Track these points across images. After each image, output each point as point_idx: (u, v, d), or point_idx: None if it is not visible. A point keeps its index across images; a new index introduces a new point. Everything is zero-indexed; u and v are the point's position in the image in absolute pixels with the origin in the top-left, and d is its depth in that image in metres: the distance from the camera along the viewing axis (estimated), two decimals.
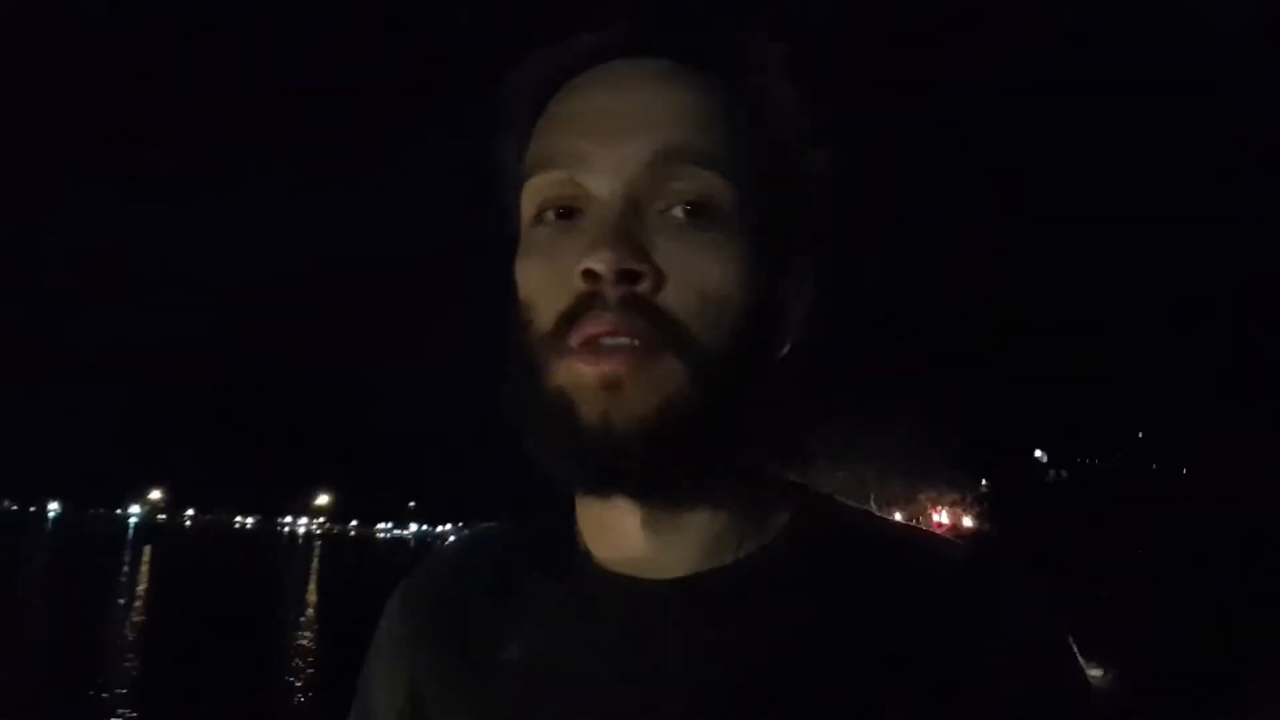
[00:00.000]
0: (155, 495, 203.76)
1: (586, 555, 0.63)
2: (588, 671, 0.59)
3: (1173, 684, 13.18)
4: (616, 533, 0.60)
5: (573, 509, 0.65)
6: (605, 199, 0.56)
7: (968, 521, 33.13)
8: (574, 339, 0.55)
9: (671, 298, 0.55)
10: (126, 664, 19.43)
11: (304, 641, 24.83)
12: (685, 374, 0.55)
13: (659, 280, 0.55)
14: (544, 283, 0.57)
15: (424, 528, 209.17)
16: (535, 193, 0.59)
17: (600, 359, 0.54)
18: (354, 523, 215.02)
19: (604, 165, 0.56)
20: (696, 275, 0.55)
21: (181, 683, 14.95)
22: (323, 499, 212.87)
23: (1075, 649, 0.60)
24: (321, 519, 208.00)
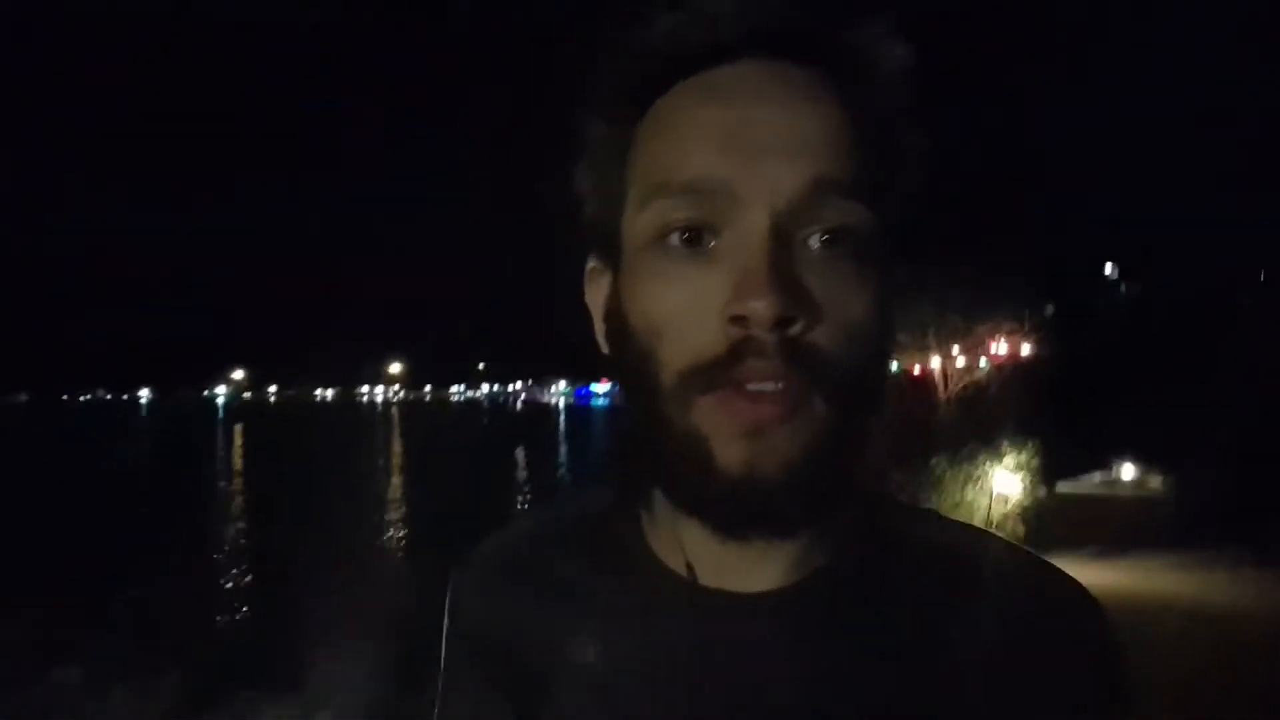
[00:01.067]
0: (239, 375, 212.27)
1: (660, 563, 0.60)
2: (669, 681, 0.58)
3: (1229, 497, 13.25)
4: (702, 547, 0.57)
5: (625, 504, 0.63)
6: (751, 230, 0.51)
7: (1026, 349, 32.79)
8: (722, 383, 0.51)
9: (823, 338, 0.51)
10: (238, 531, 20.84)
11: (394, 495, 26.25)
12: (830, 414, 0.52)
13: (812, 322, 0.51)
14: (679, 317, 0.52)
15: (495, 388, 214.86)
16: (660, 213, 0.53)
17: (748, 406, 0.51)
18: (428, 388, 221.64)
19: (753, 192, 0.51)
20: (842, 312, 0.52)
21: (288, 543, 15.94)
22: (395, 367, 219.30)
23: (1127, 667, 0.59)
24: (396, 386, 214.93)
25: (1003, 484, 10.94)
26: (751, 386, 0.50)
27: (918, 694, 0.56)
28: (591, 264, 0.61)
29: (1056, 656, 0.56)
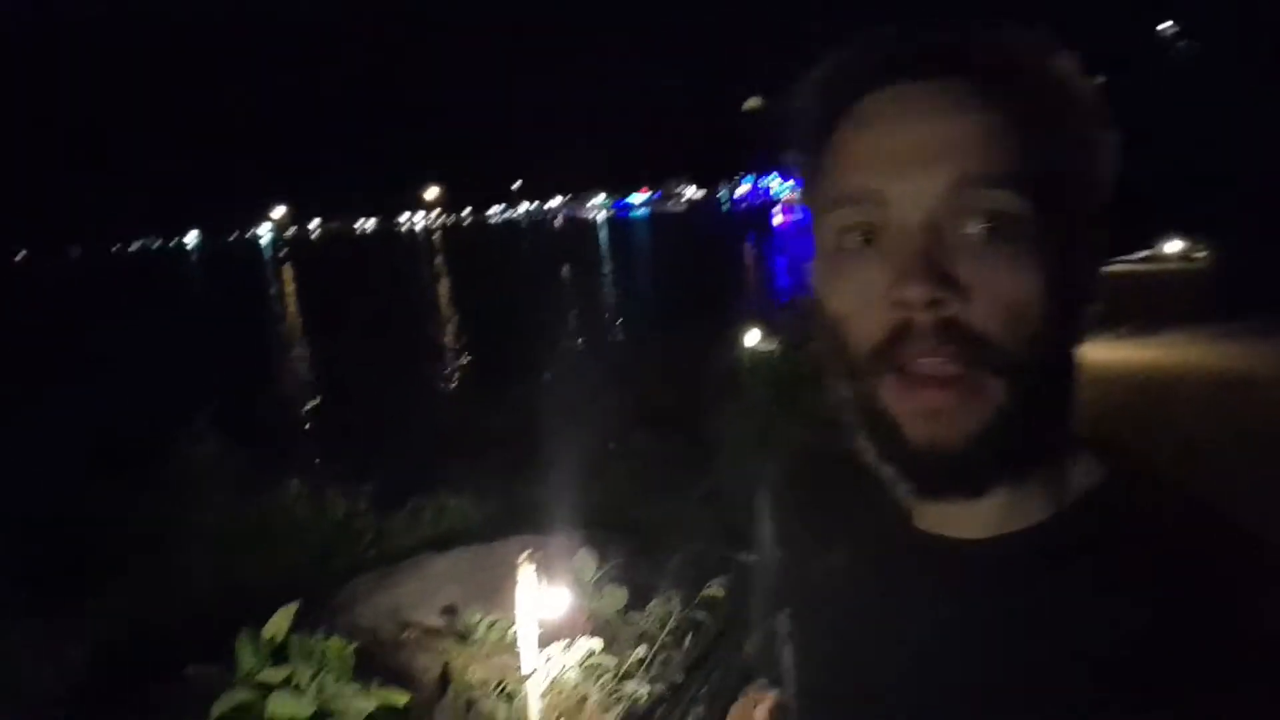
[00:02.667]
0: (279, 212, 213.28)
1: (894, 505, 0.68)
2: (894, 614, 0.67)
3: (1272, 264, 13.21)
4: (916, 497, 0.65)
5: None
6: (904, 228, 0.58)
7: None
8: (894, 364, 0.58)
9: (978, 316, 0.57)
10: (301, 370, 21.99)
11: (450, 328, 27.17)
12: (1002, 389, 0.58)
13: (965, 301, 0.57)
14: (855, 308, 0.60)
15: (533, 205, 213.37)
16: (837, 222, 0.62)
17: (922, 389, 0.58)
18: (467, 210, 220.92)
19: (903, 199, 0.58)
20: (999, 290, 0.57)
21: (350, 377, 16.93)
22: (433, 192, 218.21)
23: None
24: (436, 211, 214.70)
25: None
26: (918, 365, 0.57)
27: (1100, 657, 0.58)
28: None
29: (1247, 649, 0.55)
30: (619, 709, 3.72)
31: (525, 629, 3.30)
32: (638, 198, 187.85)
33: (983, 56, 0.60)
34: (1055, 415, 0.62)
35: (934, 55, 0.60)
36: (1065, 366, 0.62)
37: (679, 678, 4.16)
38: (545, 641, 3.48)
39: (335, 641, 3.27)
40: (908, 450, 0.59)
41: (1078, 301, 0.62)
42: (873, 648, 0.68)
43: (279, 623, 3.26)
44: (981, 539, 0.64)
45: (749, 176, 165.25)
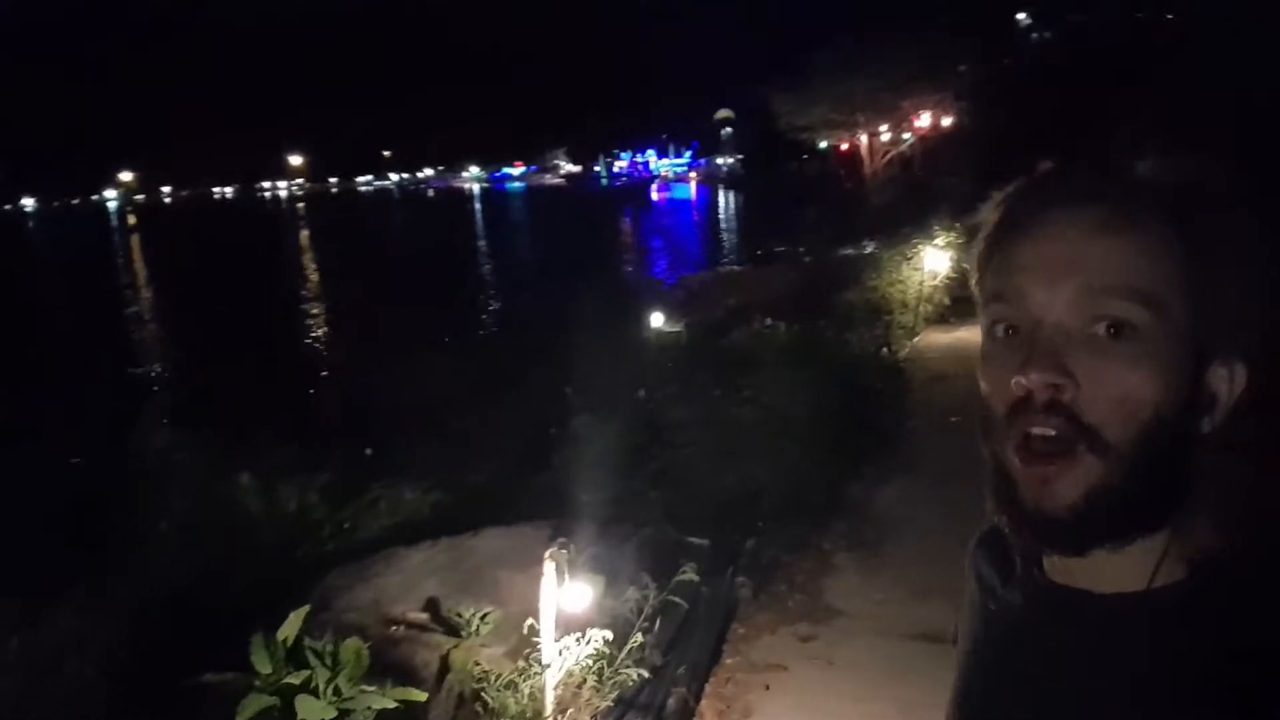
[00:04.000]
0: (127, 176, 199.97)
1: (1040, 562, 0.79)
2: (1019, 652, 0.79)
3: None
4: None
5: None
6: (1041, 324, 0.69)
7: (947, 120, 33.10)
8: (1014, 432, 0.70)
9: (1087, 403, 0.67)
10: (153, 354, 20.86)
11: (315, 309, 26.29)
12: (1102, 468, 0.67)
13: (1076, 390, 0.67)
14: (995, 384, 0.72)
15: (404, 176, 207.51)
16: (993, 315, 0.73)
17: (1034, 460, 0.68)
18: (333, 180, 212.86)
19: (1038, 302, 0.70)
20: (1109, 384, 0.67)
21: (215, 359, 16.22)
22: (296, 159, 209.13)
23: None
24: (300, 180, 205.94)
25: (932, 261, 11.91)
26: (1035, 432, 0.68)
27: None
28: None
29: None
30: (614, 694, 3.83)
31: (546, 622, 3.37)
32: (514, 170, 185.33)
33: (1120, 190, 0.71)
34: (1159, 493, 0.70)
35: (1084, 190, 0.72)
36: (1175, 452, 0.69)
37: (658, 660, 4.31)
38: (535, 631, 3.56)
39: (351, 643, 3.26)
40: (1021, 508, 0.70)
41: (1190, 408, 0.70)
42: (998, 679, 0.81)
43: (292, 625, 3.23)
44: (1100, 592, 0.73)
45: (626, 152, 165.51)
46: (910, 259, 12.35)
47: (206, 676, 3.07)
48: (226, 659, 3.18)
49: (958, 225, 12.42)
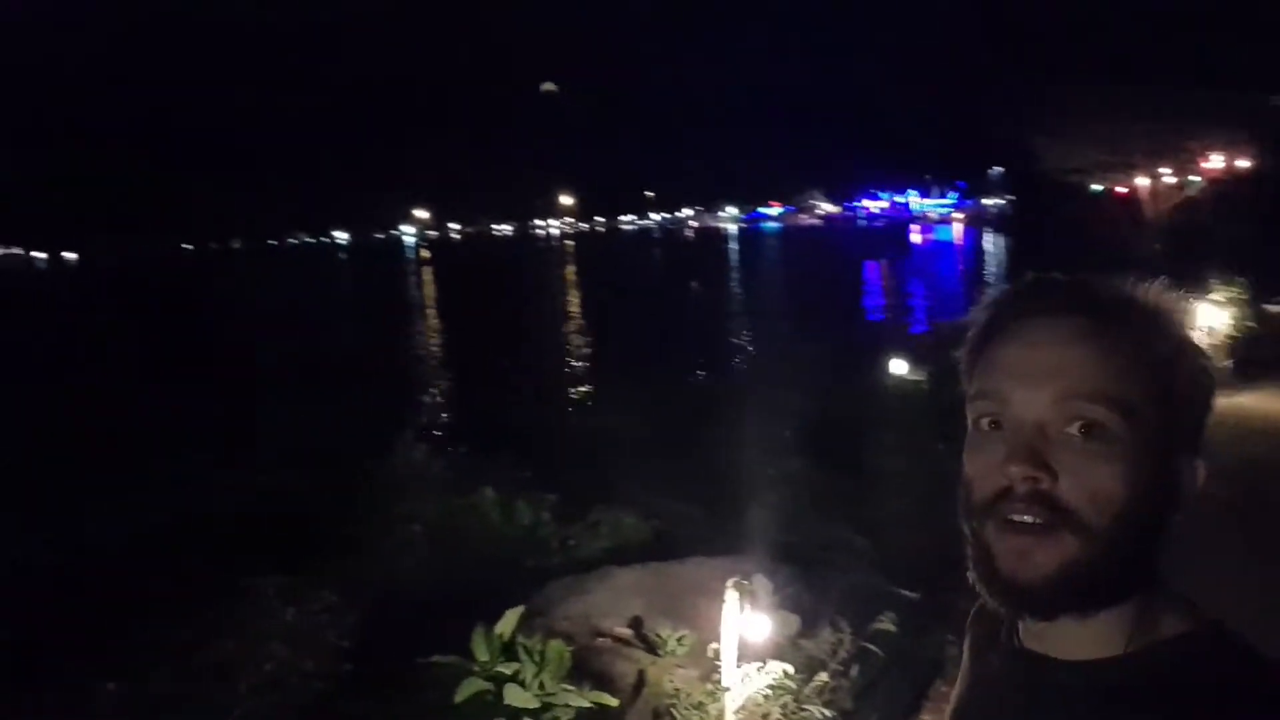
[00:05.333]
0: (422, 214, 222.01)
1: (1015, 629, 0.87)
2: (995, 711, 0.88)
3: None
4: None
5: None
6: (1020, 423, 0.78)
7: (1242, 162, 29.81)
8: (996, 515, 0.78)
9: (1064, 492, 0.75)
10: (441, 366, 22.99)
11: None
12: (1077, 547, 0.75)
13: (1054, 481, 0.75)
14: (980, 471, 0.80)
15: (665, 216, 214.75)
16: (978, 410, 0.82)
17: (1014, 535, 0.77)
18: (599, 219, 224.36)
19: (1020, 402, 0.78)
20: (1085, 477, 0.75)
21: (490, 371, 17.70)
22: (567, 199, 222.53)
23: None
24: (569, 219, 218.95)
25: (1207, 317, 10.88)
26: (1015, 519, 0.77)
27: None
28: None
29: None
30: None
31: (727, 647, 3.60)
32: (771, 210, 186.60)
33: (1096, 304, 0.79)
34: (1127, 569, 0.78)
35: (1061, 302, 0.80)
36: (1144, 535, 0.78)
37: (849, 705, 4.37)
38: (737, 661, 3.77)
39: (556, 644, 3.66)
40: (999, 579, 0.77)
41: (1165, 492, 0.78)
42: None
43: (509, 622, 3.67)
44: (1066, 660, 0.81)
45: (887, 193, 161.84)
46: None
47: (435, 657, 3.56)
48: (452, 645, 3.67)
49: (1241, 279, 11.26)
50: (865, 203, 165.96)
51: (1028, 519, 0.76)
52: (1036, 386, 0.78)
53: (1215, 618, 0.80)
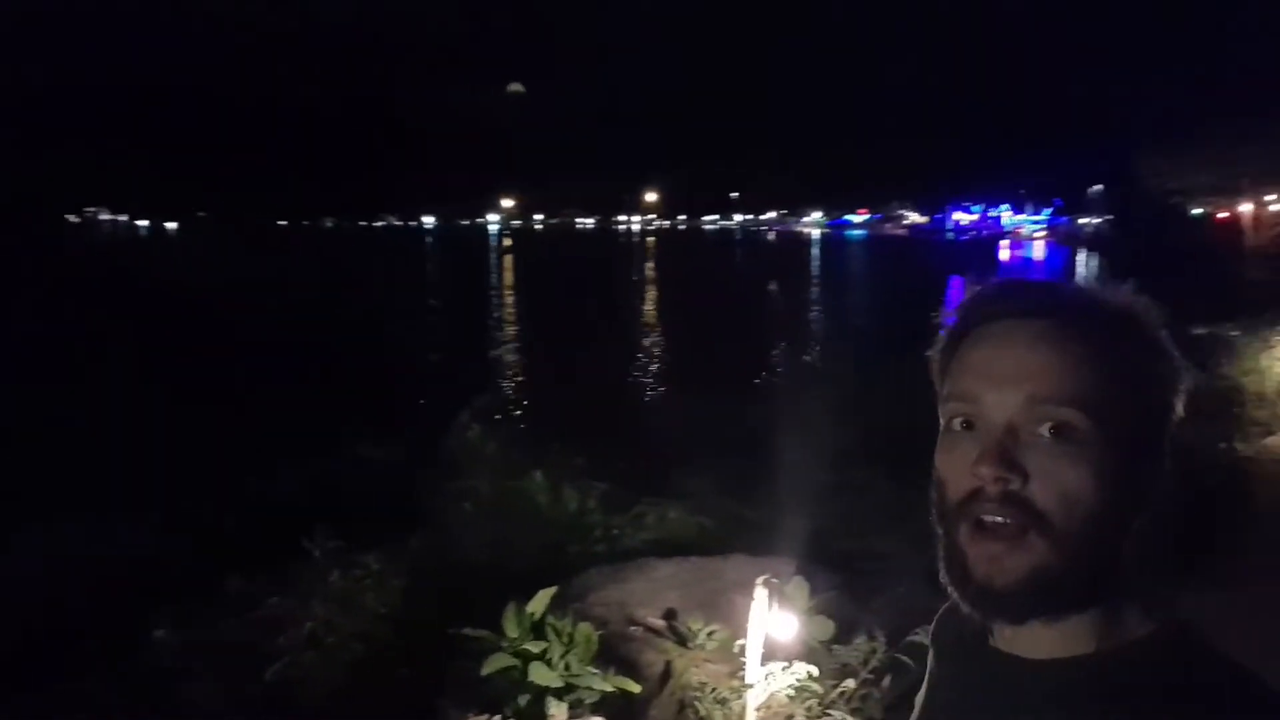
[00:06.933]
0: (508, 203, 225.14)
1: (987, 632, 0.87)
2: (970, 712, 0.87)
3: None
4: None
5: None
6: (991, 425, 0.79)
7: None
8: (969, 516, 0.78)
9: (1035, 494, 0.76)
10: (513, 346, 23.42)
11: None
12: (1047, 549, 0.76)
13: (1025, 482, 0.76)
14: (952, 473, 0.81)
15: (748, 217, 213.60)
16: (950, 411, 0.83)
17: (986, 539, 0.77)
18: (681, 217, 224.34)
19: (991, 404, 0.79)
20: (1055, 479, 0.76)
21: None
22: (651, 196, 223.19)
23: None
24: (651, 216, 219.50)
25: None
26: (987, 519, 0.78)
27: None
28: None
29: None
30: None
31: (753, 644, 3.61)
32: (857, 217, 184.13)
33: (1064, 306, 0.81)
34: (1098, 570, 0.78)
35: (1031, 305, 0.82)
36: (1114, 536, 0.78)
37: (878, 715, 4.33)
38: (763, 659, 3.77)
39: (584, 627, 3.72)
40: (972, 583, 0.78)
41: (1133, 494, 0.79)
42: None
43: (540, 601, 3.74)
44: (1036, 659, 0.82)
45: (977, 206, 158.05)
46: (1275, 346, 10.85)
47: (467, 630, 3.65)
48: (486, 620, 3.76)
49: None
50: (955, 215, 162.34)
51: (999, 520, 0.77)
52: (1007, 388, 0.79)
53: (1184, 618, 0.80)
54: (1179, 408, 0.82)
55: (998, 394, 0.79)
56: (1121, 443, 0.78)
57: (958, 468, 0.81)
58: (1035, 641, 0.82)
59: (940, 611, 0.99)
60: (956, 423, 0.83)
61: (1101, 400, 0.77)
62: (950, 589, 0.82)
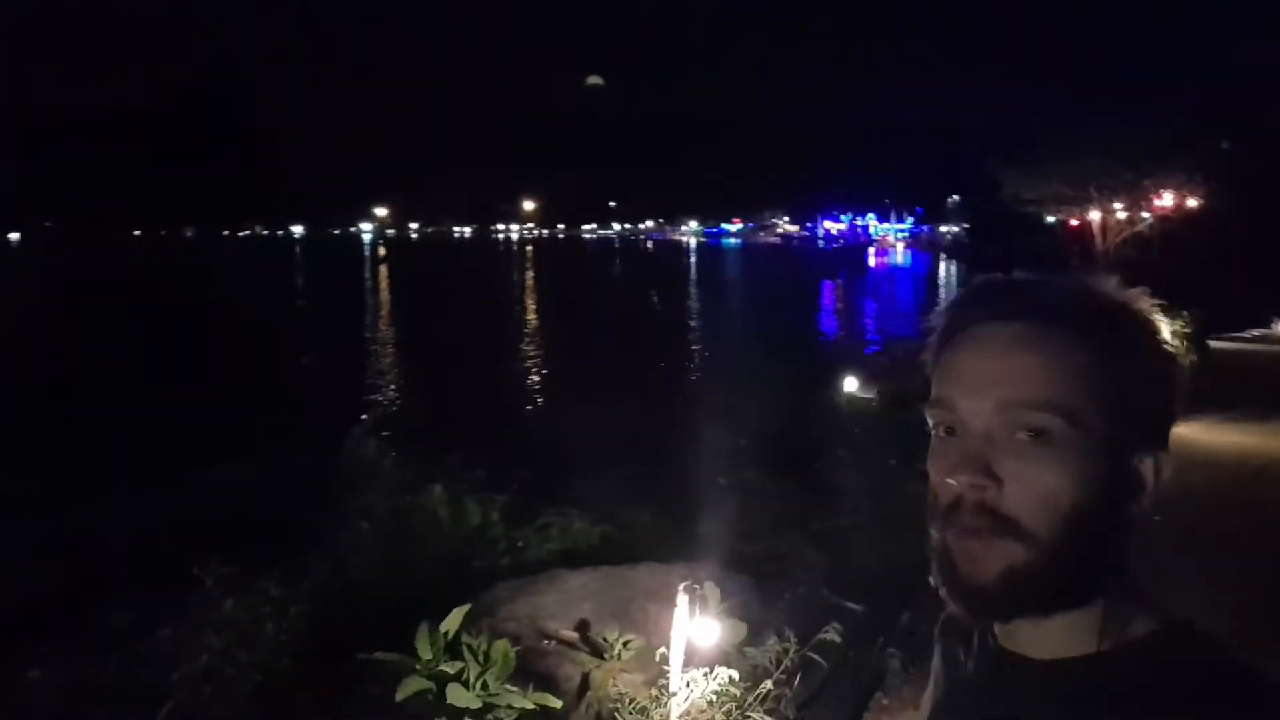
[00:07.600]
0: (382, 212, 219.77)
1: (990, 630, 0.87)
2: (974, 709, 0.87)
3: None
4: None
5: None
6: (970, 430, 0.79)
7: (1193, 202, 30.67)
8: (954, 522, 0.79)
9: (1011, 501, 0.77)
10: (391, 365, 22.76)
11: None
12: (1020, 552, 0.77)
13: (999, 489, 0.77)
14: (938, 478, 0.82)
15: (626, 226, 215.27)
16: (934, 416, 0.83)
17: (967, 539, 0.78)
18: (560, 226, 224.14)
19: (968, 410, 0.79)
20: (1031, 484, 0.76)
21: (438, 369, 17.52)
22: (529, 205, 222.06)
23: None
24: (530, 224, 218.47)
25: None
26: (964, 524, 0.79)
27: None
28: None
29: None
30: None
31: (676, 651, 3.58)
32: (732, 227, 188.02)
33: (1039, 307, 0.79)
34: (1083, 570, 0.78)
35: (1009, 307, 0.80)
36: (1099, 535, 0.78)
37: (791, 714, 4.38)
38: (683, 666, 3.76)
39: (501, 644, 3.61)
40: (959, 582, 0.79)
41: (1113, 498, 0.78)
42: None
43: (454, 620, 3.62)
44: (1040, 659, 0.82)
45: (846, 215, 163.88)
46: None
47: (378, 654, 3.49)
48: (395, 643, 3.61)
49: (1184, 314, 11.57)
50: (825, 224, 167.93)
51: (977, 525, 0.78)
52: (981, 395, 0.79)
53: (1187, 617, 0.80)
54: (1174, 403, 0.81)
55: (973, 401, 0.79)
56: (1106, 443, 0.77)
57: (942, 474, 0.81)
58: (1037, 641, 0.82)
59: (943, 615, 0.97)
60: (940, 429, 0.83)
61: (1080, 402, 0.76)
62: (942, 590, 0.82)
